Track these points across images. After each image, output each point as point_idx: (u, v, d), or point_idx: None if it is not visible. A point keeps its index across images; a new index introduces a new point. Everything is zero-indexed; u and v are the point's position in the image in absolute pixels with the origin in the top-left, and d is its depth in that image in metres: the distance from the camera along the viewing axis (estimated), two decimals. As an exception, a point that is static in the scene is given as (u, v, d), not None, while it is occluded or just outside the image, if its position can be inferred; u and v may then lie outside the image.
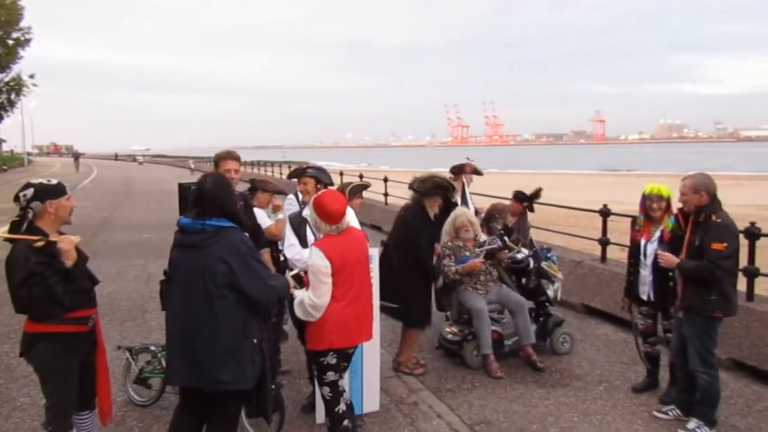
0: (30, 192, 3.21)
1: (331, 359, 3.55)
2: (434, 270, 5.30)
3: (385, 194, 14.96)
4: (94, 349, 3.40)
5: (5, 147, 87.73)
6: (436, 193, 5.18)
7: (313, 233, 4.42)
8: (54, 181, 3.36)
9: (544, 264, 5.78)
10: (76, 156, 58.88)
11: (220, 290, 2.93)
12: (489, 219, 6.56)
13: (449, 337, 5.59)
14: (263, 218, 5.16)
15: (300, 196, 5.14)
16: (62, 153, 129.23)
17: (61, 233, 3.32)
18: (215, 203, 3.03)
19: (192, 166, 43.65)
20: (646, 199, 4.62)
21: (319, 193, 3.67)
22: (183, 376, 3.07)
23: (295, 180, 5.26)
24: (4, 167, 51.75)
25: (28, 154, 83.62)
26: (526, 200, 6.24)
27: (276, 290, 3.14)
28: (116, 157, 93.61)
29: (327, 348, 3.52)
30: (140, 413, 4.23)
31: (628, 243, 5.01)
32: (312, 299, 3.43)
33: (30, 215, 3.19)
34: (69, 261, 3.11)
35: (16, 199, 3.23)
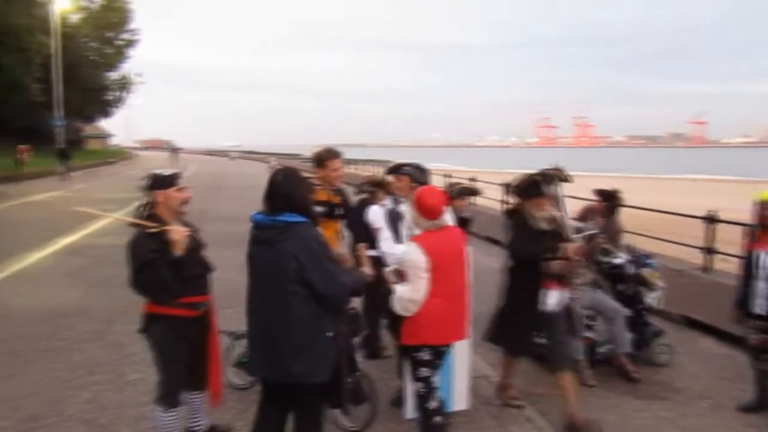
0: (147, 180, 3.46)
1: (425, 355, 3.57)
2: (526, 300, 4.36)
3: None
4: (206, 333, 3.58)
5: (113, 141, 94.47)
6: (534, 192, 4.39)
7: (408, 228, 4.49)
8: (168, 172, 3.57)
9: (644, 270, 5.54)
10: (174, 151, 62.10)
11: (292, 286, 2.93)
12: (580, 221, 6.39)
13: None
14: (379, 214, 5.25)
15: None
16: (162, 147, 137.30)
17: (186, 224, 3.55)
18: (285, 197, 3.01)
19: (272, 162, 44.61)
20: (763, 207, 4.33)
21: (420, 188, 3.70)
22: (261, 368, 3.13)
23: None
24: (112, 160, 55.62)
25: (133, 148, 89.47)
26: (605, 199, 6.02)
27: (346, 287, 3.09)
28: (210, 153, 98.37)
29: (421, 344, 3.55)
30: (239, 396, 4.44)
31: (729, 252, 4.71)
32: (409, 294, 3.47)
33: (149, 202, 3.44)
34: (178, 251, 3.31)
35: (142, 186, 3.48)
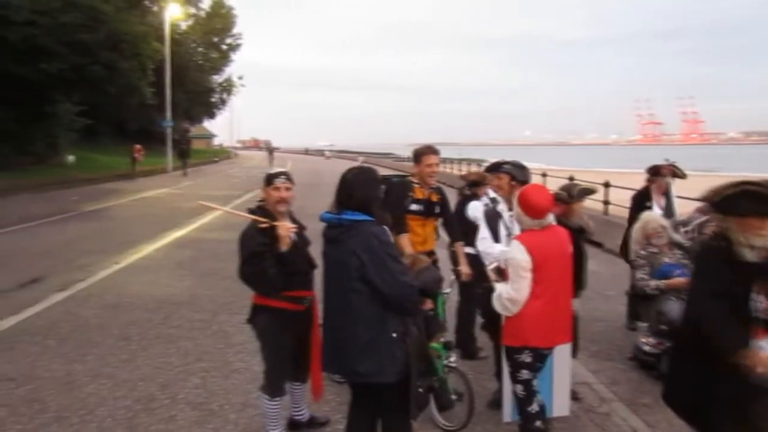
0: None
1: (527, 357, 3.49)
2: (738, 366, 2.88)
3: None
4: (310, 327, 3.69)
5: (216, 141, 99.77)
6: (748, 208, 2.91)
7: (506, 227, 4.41)
8: (274, 171, 3.73)
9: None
10: (270, 150, 61.09)
11: (355, 284, 2.91)
12: (688, 222, 6.00)
13: (646, 348, 5.19)
14: (480, 210, 5.22)
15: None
16: (261, 147, 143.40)
17: (294, 220, 3.69)
18: (347, 195, 3.01)
19: (360, 161, 45.07)
20: None
21: (526, 186, 3.62)
22: (331, 365, 3.17)
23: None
24: (215, 159, 58.64)
25: (234, 148, 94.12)
26: None
27: (408, 286, 2.96)
28: (306, 152, 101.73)
29: (523, 345, 3.47)
30: (338, 389, 4.52)
31: None
32: (510, 293, 3.41)
33: (262, 198, 3.64)
34: (284, 247, 3.43)
35: None
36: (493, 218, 4.52)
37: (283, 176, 3.66)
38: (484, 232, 4.48)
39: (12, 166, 25.33)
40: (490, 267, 3.74)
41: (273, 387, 3.68)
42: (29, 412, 4.31)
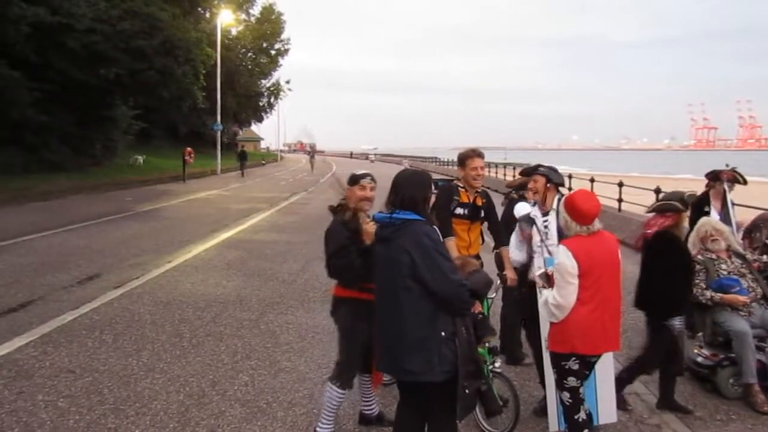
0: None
1: (573, 364, 3.44)
2: None
3: (619, 200, 14.23)
4: None
5: (263, 144, 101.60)
6: None
7: (539, 232, 4.38)
8: (360, 172, 3.93)
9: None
10: (312, 153, 56.96)
11: (405, 281, 2.95)
12: (752, 229, 5.79)
13: (699, 360, 5.05)
14: (527, 209, 5.21)
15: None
16: (306, 150, 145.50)
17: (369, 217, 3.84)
18: (396, 194, 3.09)
19: (405, 164, 44.68)
20: None
21: (574, 192, 3.58)
22: (382, 363, 3.20)
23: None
24: (263, 162, 59.62)
25: (280, 151, 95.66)
26: None
27: (459, 285, 2.96)
28: (351, 155, 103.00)
29: (569, 352, 3.42)
30: (383, 391, 4.57)
31: None
32: (556, 299, 3.37)
33: (345, 196, 3.88)
34: (368, 240, 3.56)
35: None
36: (527, 224, 4.52)
37: (368, 177, 3.89)
38: (513, 238, 4.55)
39: (72, 167, 26.47)
40: (538, 273, 3.71)
41: (345, 378, 3.82)
42: (88, 403, 4.50)
